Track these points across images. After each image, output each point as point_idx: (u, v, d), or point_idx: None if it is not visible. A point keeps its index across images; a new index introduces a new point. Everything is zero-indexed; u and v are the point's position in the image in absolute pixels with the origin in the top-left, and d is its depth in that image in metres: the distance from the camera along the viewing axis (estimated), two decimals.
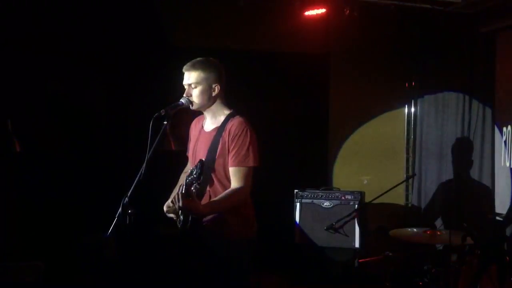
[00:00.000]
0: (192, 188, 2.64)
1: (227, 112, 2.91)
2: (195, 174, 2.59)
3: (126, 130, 4.56)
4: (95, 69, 4.65)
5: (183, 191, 2.66)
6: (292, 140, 5.14)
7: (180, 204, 2.63)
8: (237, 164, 2.76)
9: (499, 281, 1.82)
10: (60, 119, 4.54)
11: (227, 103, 2.95)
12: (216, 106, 2.92)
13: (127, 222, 2.46)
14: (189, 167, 3.13)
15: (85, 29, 4.50)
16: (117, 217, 2.49)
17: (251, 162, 2.78)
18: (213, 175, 2.82)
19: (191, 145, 3.05)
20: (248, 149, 2.77)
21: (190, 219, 2.73)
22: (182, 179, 3.09)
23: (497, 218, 4.18)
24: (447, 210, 4.79)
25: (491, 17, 4.62)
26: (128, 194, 2.51)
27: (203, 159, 2.64)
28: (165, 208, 2.91)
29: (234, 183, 2.77)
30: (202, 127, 2.98)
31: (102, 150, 4.62)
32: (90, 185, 4.42)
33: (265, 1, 4.80)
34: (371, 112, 5.39)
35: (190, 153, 3.05)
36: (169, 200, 2.91)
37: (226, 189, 2.80)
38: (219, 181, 2.82)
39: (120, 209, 2.48)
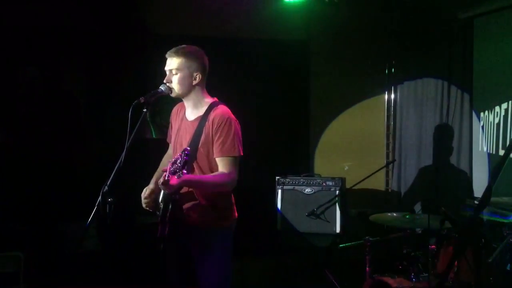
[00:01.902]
0: (176, 177, 2.63)
1: (208, 101, 2.91)
2: (180, 163, 2.57)
3: (106, 117, 4.52)
4: (74, 56, 4.59)
5: (166, 176, 2.62)
6: (273, 127, 5.15)
7: (162, 180, 2.59)
8: (223, 154, 2.77)
9: (475, 263, 1.86)
10: (39, 105, 4.47)
11: (208, 93, 2.94)
12: (197, 95, 2.90)
13: (107, 210, 2.44)
14: (170, 154, 3.11)
15: (65, 15, 4.43)
16: (97, 205, 2.47)
17: (236, 152, 2.80)
18: (194, 165, 2.82)
19: (173, 133, 3.03)
20: (233, 139, 2.78)
21: (170, 207, 2.72)
22: (162, 164, 3.08)
23: (475, 202, 4.26)
24: (426, 195, 4.86)
25: (469, 4, 4.66)
26: (108, 183, 2.49)
27: (188, 148, 2.61)
28: (144, 203, 2.88)
29: (221, 171, 2.78)
30: (185, 115, 2.96)
31: (81, 138, 4.57)
32: (69, 174, 4.38)
33: None
34: (352, 99, 5.42)
35: (172, 141, 3.03)
36: (146, 193, 2.88)
37: (204, 173, 2.82)
38: (201, 170, 2.82)
39: (99, 198, 2.46)
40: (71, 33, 4.50)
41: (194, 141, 2.82)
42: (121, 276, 4.08)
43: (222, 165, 2.77)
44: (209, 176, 2.78)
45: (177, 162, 2.59)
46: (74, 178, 4.36)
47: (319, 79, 5.37)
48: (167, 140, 3.13)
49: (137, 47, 4.55)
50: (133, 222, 3.81)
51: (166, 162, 3.07)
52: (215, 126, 2.79)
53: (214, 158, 2.80)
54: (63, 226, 4.16)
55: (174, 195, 2.69)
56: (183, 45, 2.89)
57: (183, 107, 3.01)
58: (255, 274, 4.65)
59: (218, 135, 2.78)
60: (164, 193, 2.75)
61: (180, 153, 2.59)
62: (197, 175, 2.80)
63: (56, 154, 4.44)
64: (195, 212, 2.81)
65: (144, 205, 2.88)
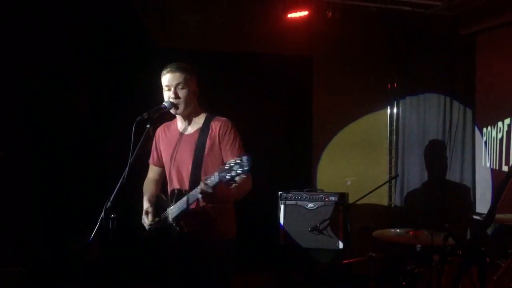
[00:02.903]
0: (231, 182, 2.56)
1: (203, 114, 2.95)
2: (242, 168, 2.44)
3: (109, 133, 4.53)
4: (77, 71, 4.61)
5: (214, 185, 2.58)
6: (276, 142, 5.14)
7: (211, 191, 2.56)
8: (236, 155, 2.78)
9: (480, 281, 1.84)
10: (43, 121, 4.48)
11: (202, 107, 2.99)
12: (195, 109, 2.96)
13: (110, 226, 2.44)
14: (151, 178, 3.10)
15: (68, 30, 4.46)
16: (100, 221, 2.46)
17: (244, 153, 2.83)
18: (202, 175, 2.83)
19: (165, 152, 3.00)
20: (240, 142, 2.88)
21: (182, 223, 2.74)
22: (148, 188, 3.05)
23: (478, 218, 4.25)
24: (429, 211, 4.84)
25: (471, 20, 4.68)
26: (111, 198, 2.49)
27: (248, 155, 2.50)
28: (144, 218, 2.88)
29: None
30: (180, 131, 2.97)
31: (85, 153, 4.57)
32: (72, 189, 4.37)
33: (248, 3, 4.80)
34: (354, 113, 5.42)
35: (166, 159, 3.00)
36: (151, 219, 2.87)
37: None
38: None
39: (102, 214, 2.46)
40: (75, 46, 4.53)
41: (199, 152, 2.84)
42: None
43: None
44: (241, 182, 2.74)
45: (234, 169, 2.46)
46: (77, 193, 4.35)
47: (321, 94, 5.38)
48: (150, 162, 3.10)
49: (141, 61, 4.57)
50: (136, 237, 3.79)
51: (150, 187, 3.07)
52: (221, 132, 2.85)
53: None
54: (66, 241, 4.14)
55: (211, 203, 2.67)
56: (177, 63, 2.92)
57: (171, 126, 3.02)
58: None
59: (226, 139, 2.84)
60: (178, 209, 2.73)
61: (239, 159, 2.46)
62: (232, 188, 2.76)
63: (59, 169, 4.44)
64: (202, 226, 2.82)
65: (147, 227, 2.87)
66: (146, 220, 2.90)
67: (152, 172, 3.14)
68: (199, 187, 2.63)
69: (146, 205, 2.95)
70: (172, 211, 2.83)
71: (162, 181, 3.11)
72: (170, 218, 2.82)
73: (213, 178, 2.57)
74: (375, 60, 5.30)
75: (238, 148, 2.84)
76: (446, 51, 4.95)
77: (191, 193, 2.75)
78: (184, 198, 2.77)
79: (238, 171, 2.46)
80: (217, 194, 2.60)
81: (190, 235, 2.81)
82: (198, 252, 2.84)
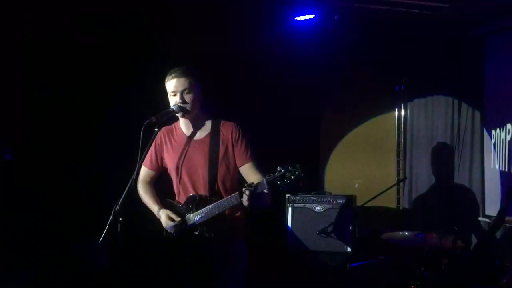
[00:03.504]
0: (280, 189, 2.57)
1: (208, 117, 2.95)
2: (300, 175, 2.45)
3: (117, 136, 4.54)
4: (84, 76, 4.63)
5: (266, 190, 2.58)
6: (283, 145, 5.14)
7: (269, 198, 2.61)
8: (250, 158, 2.87)
9: (490, 284, 1.83)
10: (50, 126, 4.51)
11: (204, 110, 2.99)
12: (201, 113, 2.97)
13: (119, 229, 2.45)
14: (144, 180, 3.07)
15: (74, 35, 4.49)
16: (109, 224, 2.47)
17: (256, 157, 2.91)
18: (218, 180, 2.86)
19: (171, 155, 2.98)
20: (251, 146, 2.90)
21: (205, 228, 2.78)
22: (149, 192, 3.04)
23: (487, 220, 4.22)
24: (437, 213, 4.81)
25: (479, 22, 4.67)
26: (119, 202, 2.50)
27: (297, 164, 2.53)
28: (169, 223, 2.88)
29: (255, 175, 2.81)
30: (187, 136, 2.96)
31: (93, 157, 4.59)
32: (81, 193, 4.39)
33: (255, 6, 4.81)
34: (362, 116, 5.42)
35: (171, 163, 2.97)
36: (169, 213, 2.88)
37: (227, 189, 2.85)
38: (223, 183, 2.88)
39: (111, 217, 2.47)
40: (81, 52, 4.56)
41: (213, 156, 2.85)
42: None
43: (254, 169, 2.85)
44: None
45: (287, 176, 2.48)
46: (86, 196, 4.37)
47: (329, 96, 5.38)
48: (145, 165, 3.04)
49: (145, 65, 4.59)
50: (145, 240, 3.80)
51: (150, 190, 3.05)
52: (234, 137, 2.87)
53: (234, 170, 2.85)
54: (75, 244, 4.16)
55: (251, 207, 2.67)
56: (183, 67, 2.92)
57: (174, 130, 3.01)
58: None
59: (239, 143, 2.86)
60: (208, 211, 2.74)
61: (291, 167, 2.49)
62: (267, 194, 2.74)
63: (67, 173, 4.46)
64: (216, 227, 2.83)
65: (173, 230, 2.87)
66: (171, 223, 2.86)
67: (147, 176, 3.09)
68: (245, 193, 2.60)
69: (164, 211, 2.91)
70: (196, 217, 2.83)
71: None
72: (192, 224, 2.82)
73: (262, 185, 2.58)
74: (382, 62, 5.29)
75: (252, 151, 2.88)
76: (454, 53, 4.93)
77: (227, 198, 2.75)
78: (214, 204, 2.78)
79: (298, 177, 2.47)
80: (260, 201, 2.62)
81: (208, 240, 2.82)
82: (210, 256, 2.85)
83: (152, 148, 3.00)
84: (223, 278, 2.84)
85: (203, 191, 2.85)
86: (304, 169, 2.46)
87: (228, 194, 2.78)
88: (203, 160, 2.86)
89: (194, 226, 2.82)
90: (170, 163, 3.01)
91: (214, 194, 2.83)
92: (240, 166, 2.84)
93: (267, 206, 2.77)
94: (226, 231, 2.84)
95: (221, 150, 2.85)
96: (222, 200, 2.78)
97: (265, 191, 2.59)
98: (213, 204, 2.78)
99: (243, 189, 2.62)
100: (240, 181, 2.89)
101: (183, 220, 2.86)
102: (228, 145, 2.85)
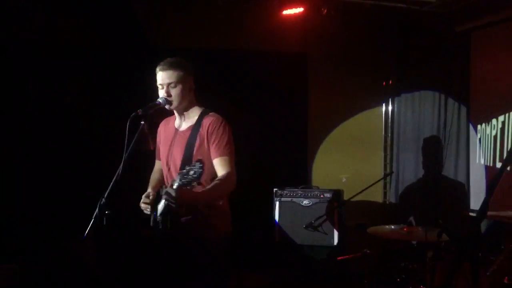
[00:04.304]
0: (189, 187, 2.59)
1: (199, 110, 2.93)
2: (195, 174, 2.50)
3: (103, 130, 4.52)
4: (72, 70, 4.59)
5: (176, 188, 2.60)
6: (271, 139, 5.15)
7: (174, 194, 2.56)
8: (221, 154, 2.79)
9: (473, 277, 1.86)
10: (37, 120, 4.47)
11: (198, 102, 2.97)
12: (191, 105, 2.93)
13: (104, 223, 2.44)
14: (157, 168, 3.11)
15: (62, 29, 4.44)
16: (94, 218, 2.46)
17: (233, 153, 2.83)
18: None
19: (163, 147, 3.02)
20: (229, 140, 2.82)
21: (169, 218, 2.71)
22: (154, 176, 3.08)
23: (472, 214, 4.27)
24: (423, 207, 4.86)
25: (466, 17, 4.69)
26: (105, 195, 2.49)
27: (201, 159, 2.55)
28: (142, 204, 2.88)
29: (221, 172, 2.78)
30: (176, 127, 2.97)
31: (79, 150, 4.56)
32: (67, 186, 4.36)
33: (243, 1, 4.79)
34: (349, 110, 5.44)
35: (162, 155, 3.01)
36: (149, 192, 2.88)
37: (201, 182, 2.78)
38: None
39: (97, 210, 2.45)
40: (70, 46, 4.52)
41: (189, 150, 2.83)
42: None
43: (222, 165, 2.78)
44: (215, 184, 2.74)
45: (190, 174, 2.52)
46: (71, 190, 4.34)
47: (317, 91, 5.39)
48: (156, 158, 3.11)
49: (135, 59, 4.56)
50: (131, 234, 3.79)
51: (157, 175, 3.08)
52: (210, 129, 2.82)
53: (209, 165, 2.79)
54: (60, 238, 4.13)
55: (179, 207, 2.67)
56: (171, 58, 2.89)
57: (170, 120, 3.02)
58: (253, 287, 4.63)
59: (214, 137, 2.80)
60: (165, 206, 2.74)
61: (194, 164, 2.52)
62: (205, 191, 2.75)
63: (53, 167, 4.43)
64: (195, 223, 2.80)
65: (142, 206, 2.87)
66: (143, 201, 2.87)
67: (157, 165, 3.14)
68: (165, 189, 2.63)
69: (149, 190, 2.95)
70: (159, 208, 2.83)
71: None
72: (157, 214, 2.81)
73: (176, 182, 2.58)
74: (370, 57, 5.30)
75: (225, 146, 2.78)
76: (441, 48, 4.96)
77: (162, 200, 2.75)
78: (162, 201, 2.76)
79: (193, 176, 2.49)
80: (182, 198, 2.58)
81: (182, 233, 2.79)
82: (191, 250, 2.83)
83: (157, 139, 3.05)
84: (202, 276, 2.82)
85: None
86: (203, 167, 2.48)
87: (202, 187, 2.77)
88: (180, 151, 2.85)
89: (161, 216, 2.78)
90: (161, 154, 3.02)
91: None
92: (213, 160, 2.81)
93: (209, 199, 2.76)
94: (202, 226, 2.81)
95: (197, 143, 2.82)
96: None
97: (174, 187, 2.58)
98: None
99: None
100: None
101: (152, 208, 2.85)
102: (204, 139, 2.82)
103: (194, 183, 2.55)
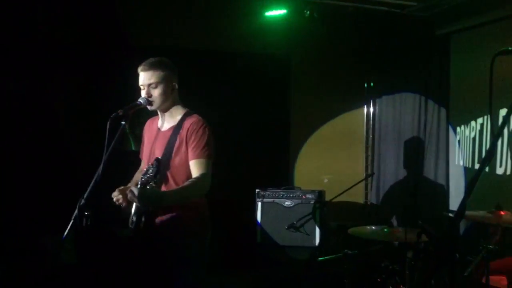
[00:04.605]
0: (148, 187, 2.61)
1: (183, 111, 2.92)
2: (151, 172, 2.55)
3: (83, 130, 4.48)
4: (51, 68, 4.54)
5: (138, 187, 2.62)
6: (253, 140, 5.16)
7: (136, 193, 2.56)
8: (198, 156, 2.77)
9: (450, 277, 1.88)
10: (16, 119, 4.41)
11: (182, 102, 2.95)
12: (173, 105, 2.91)
13: (84, 224, 2.41)
14: (143, 168, 3.10)
15: (43, 27, 4.39)
16: (73, 219, 2.43)
17: (211, 156, 2.81)
18: (168, 173, 2.80)
19: (146, 146, 3.02)
20: (207, 143, 2.79)
21: (143, 219, 2.70)
22: (134, 183, 3.06)
23: (450, 215, 4.33)
24: (403, 208, 4.91)
25: (446, 20, 4.76)
26: (85, 196, 2.46)
27: (159, 157, 2.59)
28: (114, 193, 2.83)
29: (196, 174, 2.76)
30: (158, 127, 2.96)
31: (59, 150, 4.51)
32: (46, 187, 4.31)
33: (226, 1, 4.80)
34: (331, 112, 5.48)
35: (145, 154, 3.00)
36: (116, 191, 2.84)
37: (178, 184, 2.79)
38: (174, 179, 2.81)
39: (76, 211, 2.43)
40: (51, 45, 4.47)
41: (168, 150, 2.81)
42: None
43: (197, 167, 2.76)
44: (185, 185, 2.74)
45: (149, 172, 2.56)
46: (51, 190, 4.29)
47: (299, 93, 5.42)
48: (140, 157, 3.11)
49: (117, 58, 4.53)
50: (111, 235, 3.76)
51: (138, 177, 3.07)
52: (189, 132, 2.80)
53: (188, 166, 2.78)
54: (39, 239, 4.08)
55: (144, 207, 2.66)
56: (153, 58, 2.87)
57: (155, 120, 3.01)
58: (234, 287, 4.63)
59: (192, 139, 2.79)
60: (137, 206, 2.72)
61: (152, 163, 2.56)
62: (174, 190, 2.76)
63: (32, 166, 4.37)
64: (170, 224, 2.78)
65: (114, 199, 2.82)
66: (115, 195, 2.82)
67: (142, 165, 3.11)
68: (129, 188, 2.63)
69: (116, 193, 2.88)
70: (133, 207, 2.81)
71: None
72: (132, 214, 2.80)
73: (139, 181, 2.61)
74: (352, 60, 5.35)
75: (203, 149, 2.76)
76: (421, 51, 5.02)
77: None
78: None
79: (150, 175, 2.53)
80: (145, 196, 2.58)
81: (155, 233, 2.78)
82: (164, 251, 2.81)
83: (142, 138, 3.05)
84: (176, 277, 2.80)
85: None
86: (158, 165, 2.54)
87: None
88: (160, 152, 2.83)
89: (134, 215, 2.77)
90: (144, 153, 3.01)
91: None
92: (189, 161, 2.79)
93: (178, 199, 2.76)
94: (175, 227, 2.79)
95: (176, 144, 2.80)
96: None
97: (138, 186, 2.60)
98: None
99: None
100: None
101: (128, 206, 2.84)
102: (183, 140, 2.80)
103: (151, 182, 2.54)
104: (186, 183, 2.74)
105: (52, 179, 4.35)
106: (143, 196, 2.58)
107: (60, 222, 2.57)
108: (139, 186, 2.62)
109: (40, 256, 4.01)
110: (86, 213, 2.41)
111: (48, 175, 4.37)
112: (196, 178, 2.74)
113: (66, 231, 2.45)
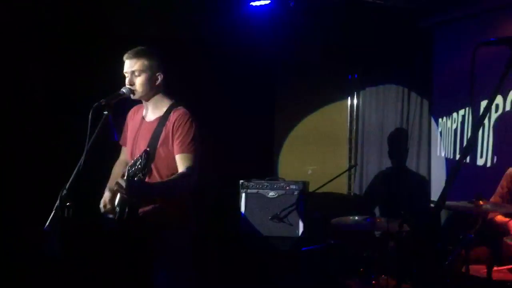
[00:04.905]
0: (136, 179, 2.59)
1: (168, 102, 2.89)
2: (140, 164, 2.51)
3: (66, 120, 4.42)
4: (33, 57, 4.47)
5: (125, 178, 2.60)
6: (237, 131, 5.15)
7: (124, 185, 2.53)
8: (184, 150, 2.75)
9: (431, 266, 1.91)
10: None
11: (168, 93, 2.93)
12: (158, 95, 2.89)
13: (65, 215, 2.39)
14: (122, 160, 3.08)
15: (23, 16, 4.31)
16: (55, 210, 2.41)
17: (197, 150, 2.79)
18: (152, 166, 2.78)
19: (130, 135, 2.99)
20: (193, 137, 2.77)
21: (126, 210, 2.68)
22: (116, 171, 3.05)
23: (432, 205, 4.39)
24: (386, 198, 4.96)
25: (429, 12, 4.79)
26: (67, 186, 2.44)
27: (148, 149, 2.57)
28: (102, 208, 2.85)
29: (182, 168, 2.74)
30: (143, 117, 2.94)
31: (40, 141, 4.45)
32: (27, 177, 4.26)
33: None
34: (315, 103, 5.49)
35: (128, 144, 2.98)
36: (106, 198, 2.85)
37: (163, 177, 2.79)
38: (158, 171, 2.80)
39: (58, 202, 2.40)
40: (30, 33, 4.39)
41: (153, 141, 2.79)
42: (82, 282, 3.99)
43: (183, 162, 2.74)
44: (173, 178, 2.73)
45: (137, 164, 2.53)
46: (32, 181, 4.24)
47: (283, 84, 5.42)
48: (121, 143, 3.09)
49: (98, 47, 4.47)
50: (94, 225, 3.74)
51: (118, 169, 3.05)
52: (175, 125, 2.78)
53: (173, 159, 2.77)
54: (20, 231, 4.04)
55: (132, 198, 2.65)
56: (141, 47, 2.86)
57: (140, 109, 2.98)
58: (217, 279, 4.64)
59: (179, 133, 2.77)
60: (120, 197, 2.70)
61: (140, 154, 2.54)
62: (160, 183, 2.75)
63: (13, 157, 4.31)
64: (153, 215, 2.77)
65: (102, 210, 2.84)
66: (103, 210, 2.85)
67: (123, 154, 3.09)
68: (116, 180, 2.61)
69: (106, 193, 2.89)
70: (116, 199, 2.80)
71: None
72: (115, 205, 2.78)
73: (126, 173, 2.59)
74: (336, 51, 5.36)
75: (190, 143, 2.75)
76: (404, 43, 5.05)
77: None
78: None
79: (138, 167, 2.49)
80: (133, 188, 2.56)
81: (138, 224, 2.76)
82: (146, 242, 2.80)
83: (125, 125, 3.02)
84: (161, 269, 2.80)
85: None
86: (147, 156, 2.49)
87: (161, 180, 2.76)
88: (145, 144, 2.81)
89: (117, 206, 2.76)
90: (128, 142, 2.99)
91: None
92: (175, 155, 2.78)
93: (164, 192, 2.76)
94: (159, 219, 2.79)
95: (162, 136, 2.78)
96: None
97: (125, 177, 2.59)
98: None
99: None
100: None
101: (112, 208, 2.82)
102: (169, 133, 2.79)
103: (139, 175, 2.52)
104: (174, 176, 2.72)
105: (34, 170, 4.29)
106: (131, 187, 2.56)
107: (43, 213, 2.54)
108: (125, 177, 2.59)
109: (21, 248, 3.97)
110: (68, 203, 2.39)
111: (30, 166, 4.31)
112: (183, 172, 2.72)
113: (48, 222, 2.43)
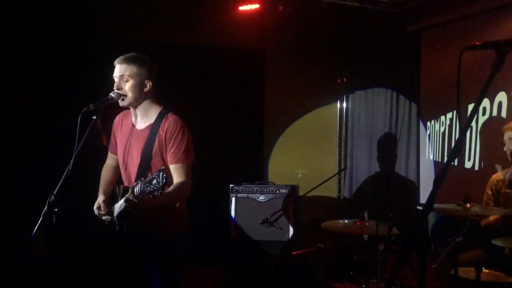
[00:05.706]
0: (151, 196, 2.53)
1: (158, 109, 2.88)
2: (158, 184, 2.46)
3: (54, 125, 4.39)
4: (21, 62, 4.44)
5: (138, 195, 2.56)
6: (227, 134, 5.15)
7: (137, 202, 2.53)
8: (178, 161, 2.76)
9: (420, 268, 1.92)
10: None
11: (157, 101, 2.92)
12: (147, 103, 2.87)
13: (53, 220, 2.37)
14: (109, 165, 3.07)
15: (10, 18, 4.28)
16: (43, 215, 2.39)
17: (190, 159, 2.80)
18: (149, 172, 2.77)
19: (120, 143, 2.97)
20: (186, 146, 2.78)
21: (125, 220, 2.68)
22: (105, 176, 3.04)
23: (420, 208, 4.41)
24: (375, 202, 4.98)
25: (417, 17, 4.83)
26: (55, 192, 2.42)
27: (164, 169, 2.52)
28: (96, 210, 2.84)
29: (177, 179, 2.75)
30: (133, 125, 2.92)
31: (29, 146, 4.41)
32: (15, 182, 4.22)
33: None
34: (305, 107, 5.50)
35: (120, 152, 2.96)
36: (100, 201, 2.84)
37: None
38: None
39: (46, 208, 2.39)
40: (18, 38, 4.36)
41: (147, 150, 2.79)
42: (71, 286, 3.96)
43: (178, 173, 2.75)
44: (170, 191, 2.69)
45: (153, 183, 2.48)
46: (20, 186, 4.20)
47: (273, 88, 5.42)
48: (110, 151, 3.08)
49: (87, 51, 4.45)
50: (84, 231, 3.72)
51: (107, 173, 3.03)
52: (168, 134, 2.77)
53: (167, 167, 2.77)
54: (8, 236, 4.00)
55: (137, 212, 2.63)
56: (132, 53, 2.86)
57: (128, 115, 2.97)
58: (208, 283, 4.63)
59: (172, 142, 2.76)
60: (123, 210, 2.68)
61: (157, 173, 2.49)
62: (160, 197, 2.73)
63: (2, 162, 4.27)
64: (149, 221, 2.77)
65: (102, 218, 2.82)
66: (97, 212, 2.83)
67: (111, 160, 3.08)
68: (126, 195, 2.59)
69: (100, 197, 2.89)
70: (116, 208, 2.79)
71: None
72: (114, 215, 2.78)
73: (137, 189, 2.56)
74: (325, 55, 5.38)
75: (183, 153, 2.75)
76: (393, 47, 5.09)
77: (120, 201, 2.72)
78: (120, 202, 2.73)
79: (156, 186, 2.47)
80: (142, 204, 2.56)
81: (135, 233, 2.76)
82: (145, 247, 2.80)
83: (112, 131, 3.00)
84: (155, 272, 2.81)
85: (133, 184, 2.79)
86: (166, 177, 2.46)
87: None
88: (138, 152, 2.81)
89: (117, 217, 2.75)
90: (118, 149, 2.97)
91: None
92: (169, 165, 2.77)
93: (167, 203, 2.75)
94: (156, 227, 2.78)
95: (156, 144, 2.77)
96: (119, 201, 2.74)
97: (136, 193, 2.57)
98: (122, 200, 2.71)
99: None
100: None
101: (108, 211, 2.81)
102: (162, 142, 2.78)
103: (156, 193, 2.50)
104: (171, 188, 2.70)
105: (23, 175, 4.26)
106: (141, 204, 2.56)
107: (31, 218, 2.52)
108: (138, 192, 2.55)
109: (9, 253, 3.94)
110: (56, 209, 2.38)
111: (18, 171, 4.27)
112: (179, 184, 2.72)
113: (36, 228, 2.41)
